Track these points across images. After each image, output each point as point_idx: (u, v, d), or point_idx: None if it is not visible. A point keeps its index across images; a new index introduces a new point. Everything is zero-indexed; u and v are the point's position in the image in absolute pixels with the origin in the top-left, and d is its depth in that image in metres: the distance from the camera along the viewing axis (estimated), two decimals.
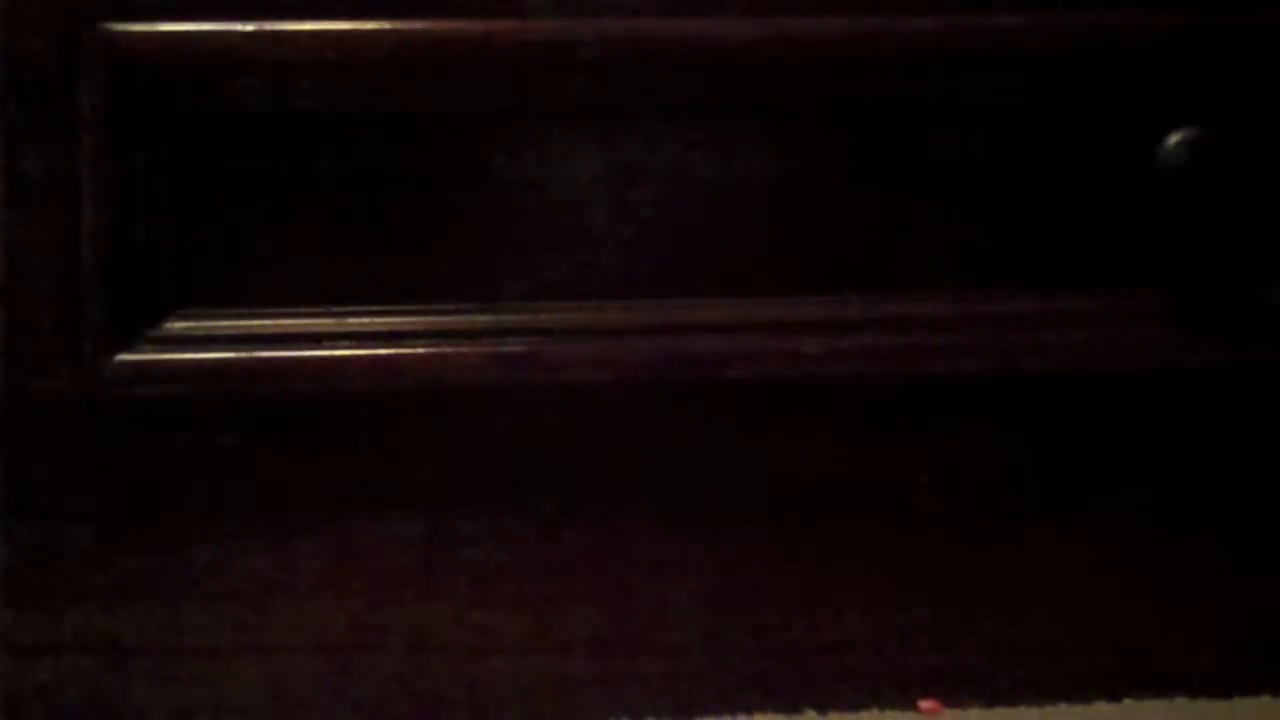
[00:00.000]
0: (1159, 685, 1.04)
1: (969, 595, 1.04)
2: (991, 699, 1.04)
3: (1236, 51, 1.01)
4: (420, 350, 0.99)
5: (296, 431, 1.00)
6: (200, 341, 0.98)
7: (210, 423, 0.99)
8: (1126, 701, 1.04)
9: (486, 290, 1.00)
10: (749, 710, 1.03)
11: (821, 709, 1.03)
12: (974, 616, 1.04)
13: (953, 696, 1.04)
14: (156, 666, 1.00)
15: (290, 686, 1.01)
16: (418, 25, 0.98)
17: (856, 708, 1.03)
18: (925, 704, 1.03)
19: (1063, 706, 1.04)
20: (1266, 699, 1.04)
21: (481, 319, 1.00)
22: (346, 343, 0.99)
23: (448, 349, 0.99)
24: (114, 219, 0.97)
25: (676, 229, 1.01)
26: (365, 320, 1.00)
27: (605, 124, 1.00)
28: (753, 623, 1.03)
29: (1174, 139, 1.01)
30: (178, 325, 0.99)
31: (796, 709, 1.03)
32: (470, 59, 0.98)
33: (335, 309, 1.00)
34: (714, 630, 1.03)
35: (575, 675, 1.02)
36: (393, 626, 1.01)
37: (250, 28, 0.97)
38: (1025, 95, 1.02)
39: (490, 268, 1.00)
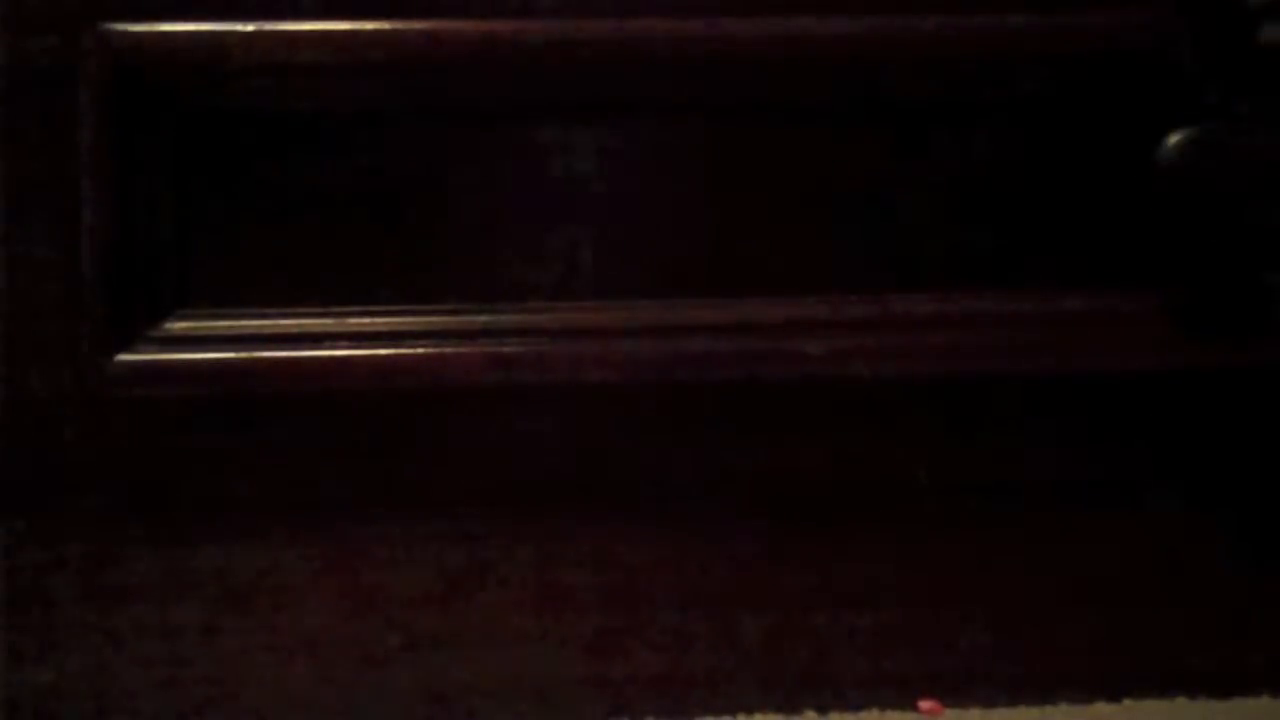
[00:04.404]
0: (1159, 685, 1.04)
1: (969, 595, 1.04)
2: (991, 699, 1.04)
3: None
4: (420, 350, 0.99)
5: (296, 431, 1.00)
6: (200, 341, 0.98)
7: (210, 423, 0.99)
8: (1126, 701, 1.04)
9: (486, 290, 1.00)
10: (749, 710, 1.03)
11: (821, 709, 1.03)
12: (974, 616, 1.04)
13: (953, 696, 1.04)
14: (156, 666, 1.00)
15: (290, 686, 1.01)
16: (417, 25, 0.98)
17: (856, 708, 1.03)
18: (925, 704, 1.03)
19: (1063, 706, 1.04)
20: (1266, 699, 1.04)
21: (481, 319, 1.00)
22: (346, 343, 0.99)
23: (448, 349, 0.99)
24: (114, 219, 0.97)
25: (677, 229, 1.01)
26: (365, 320, 1.00)
27: (605, 123, 1.00)
28: (753, 623, 1.03)
29: (1174, 139, 1.01)
30: (178, 325, 0.99)
31: (796, 709, 1.03)
32: (470, 59, 0.98)
33: (335, 309, 1.00)
34: (714, 630, 1.03)
35: (575, 675, 1.02)
36: (392, 626, 1.01)
37: (250, 28, 0.97)
38: (1025, 95, 1.02)
39: (490, 268, 1.00)
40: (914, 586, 1.04)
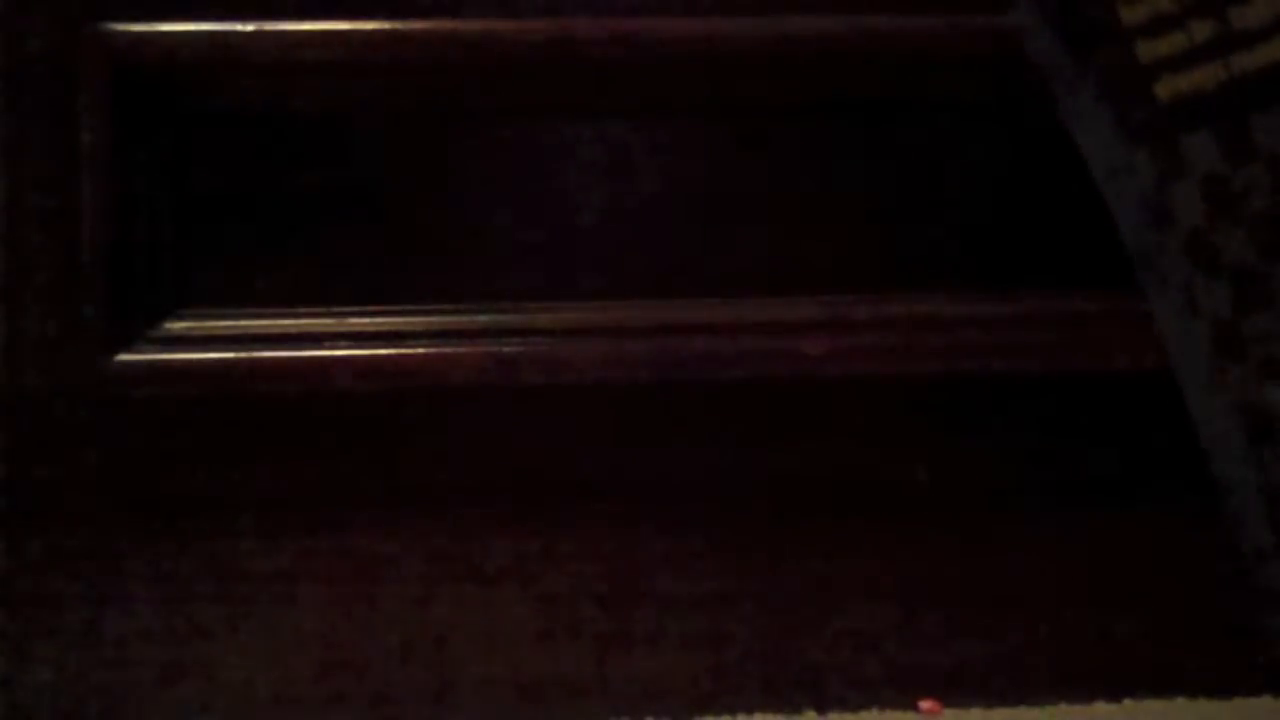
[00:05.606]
0: (1159, 685, 1.04)
1: (969, 595, 1.04)
2: (991, 699, 1.04)
3: None
4: (420, 350, 0.99)
5: (296, 431, 1.00)
6: (200, 341, 0.98)
7: (210, 423, 0.99)
8: (1126, 701, 1.04)
9: (486, 290, 1.00)
10: (749, 710, 1.03)
11: (821, 709, 1.03)
12: (974, 616, 1.04)
13: (953, 696, 1.04)
14: (156, 666, 1.00)
15: (290, 686, 1.01)
16: (417, 25, 0.98)
17: (856, 708, 1.03)
18: (925, 704, 1.03)
19: (1063, 706, 1.04)
20: (1267, 699, 1.04)
21: (481, 319, 1.00)
22: (346, 343, 0.99)
23: (448, 349, 1.00)
24: (114, 219, 0.97)
25: (676, 229, 1.01)
26: (365, 320, 1.00)
27: (604, 124, 1.00)
28: (753, 623, 1.03)
29: None
30: (178, 325, 0.99)
31: (796, 709, 1.03)
32: (470, 59, 0.98)
33: (335, 309, 1.00)
34: (715, 630, 1.03)
35: (575, 675, 1.02)
36: (393, 625, 1.01)
37: (250, 28, 0.97)
38: (1026, 95, 1.02)
39: (490, 268, 1.00)
40: (914, 586, 1.04)
